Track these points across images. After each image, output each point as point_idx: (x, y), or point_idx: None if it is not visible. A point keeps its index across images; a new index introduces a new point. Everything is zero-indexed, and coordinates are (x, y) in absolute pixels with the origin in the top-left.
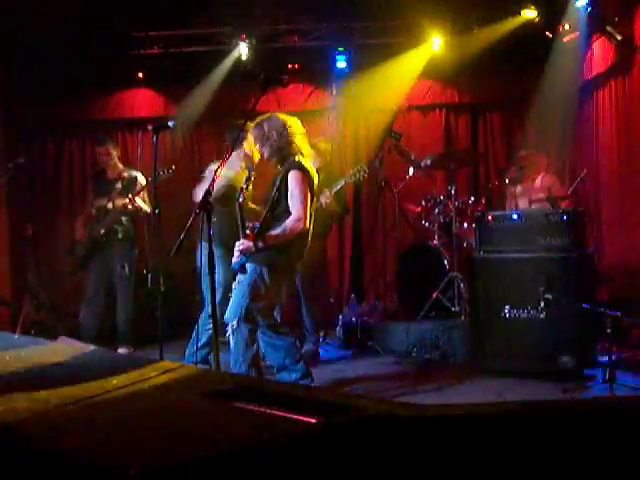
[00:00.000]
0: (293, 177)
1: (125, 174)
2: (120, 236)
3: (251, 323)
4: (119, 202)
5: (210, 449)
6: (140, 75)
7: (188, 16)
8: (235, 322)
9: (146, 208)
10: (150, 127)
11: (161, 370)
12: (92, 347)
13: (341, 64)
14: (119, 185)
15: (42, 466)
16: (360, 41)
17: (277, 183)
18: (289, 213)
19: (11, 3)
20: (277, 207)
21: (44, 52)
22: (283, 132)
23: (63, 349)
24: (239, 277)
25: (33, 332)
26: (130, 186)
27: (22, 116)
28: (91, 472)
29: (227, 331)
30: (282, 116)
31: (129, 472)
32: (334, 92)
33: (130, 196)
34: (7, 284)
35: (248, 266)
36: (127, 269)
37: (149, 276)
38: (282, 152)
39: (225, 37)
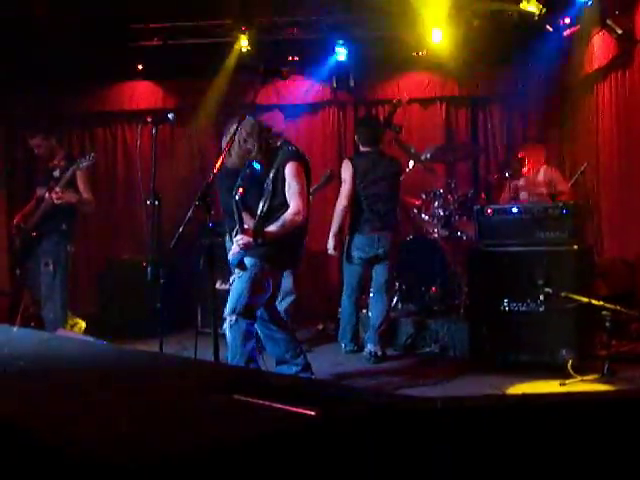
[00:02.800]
0: (291, 168)
1: (63, 162)
2: (49, 230)
3: (250, 318)
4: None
5: (209, 442)
6: (139, 67)
7: (188, 8)
8: (233, 317)
9: (73, 199)
10: (150, 120)
11: (159, 362)
12: (91, 339)
13: (341, 56)
14: (57, 173)
15: (40, 462)
16: (360, 33)
17: (272, 174)
18: (287, 205)
19: None
20: (274, 199)
21: (42, 44)
22: (261, 126)
23: (62, 342)
24: (238, 272)
25: (32, 325)
26: (66, 174)
27: (20, 109)
28: (90, 467)
29: (224, 325)
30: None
31: (128, 464)
32: (334, 85)
33: (56, 189)
34: (6, 276)
35: (247, 260)
36: (51, 266)
37: (148, 269)
38: (267, 145)
39: (225, 29)
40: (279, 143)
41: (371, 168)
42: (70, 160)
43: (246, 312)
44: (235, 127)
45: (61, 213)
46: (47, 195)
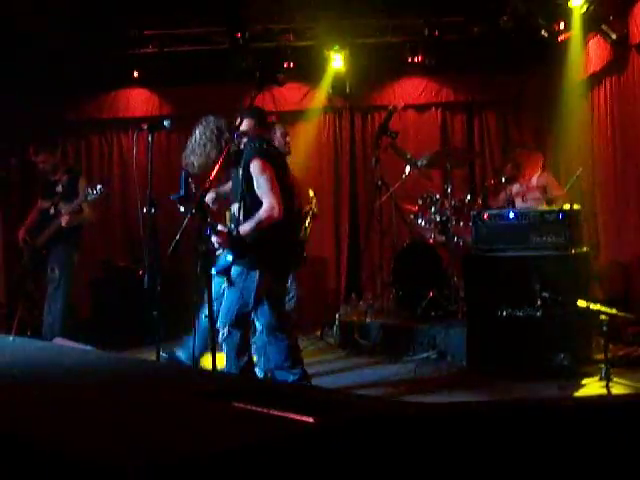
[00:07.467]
0: (255, 166)
1: (65, 177)
2: (57, 239)
3: (243, 328)
4: (62, 207)
5: (208, 449)
6: (135, 74)
7: (183, 15)
8: (226, 329)
9: (83, 219)
10: (145, 127)
11: (156, 369)
12: (88, 348)
13: (337, 63)
14: (59, 188)
15: (41, 466)
16: (355, 40)
17: (240, 176)
18: (260, 204)
19: (6, 1)
20: (246, 200)
21: (38, 51)
22: (221, 127)
23: (59, 350)
24: (226, 283)
25: (28, 333)
26: (70, 189)
27: (15, 116)
28: (90, 472)
29: (219, 337)
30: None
31: (128, 471)
32: (330, 91)
33: (65, 216)
34: (2, 285)
35: (234, 269)
36: (57, 272)
37: (145, 276)
38: (229, 146)
39: (220, 36)
40: (244, 142)
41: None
42: (71, 173)
43: (238, 322)
44: (198, 129)
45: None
46: (60, 219)
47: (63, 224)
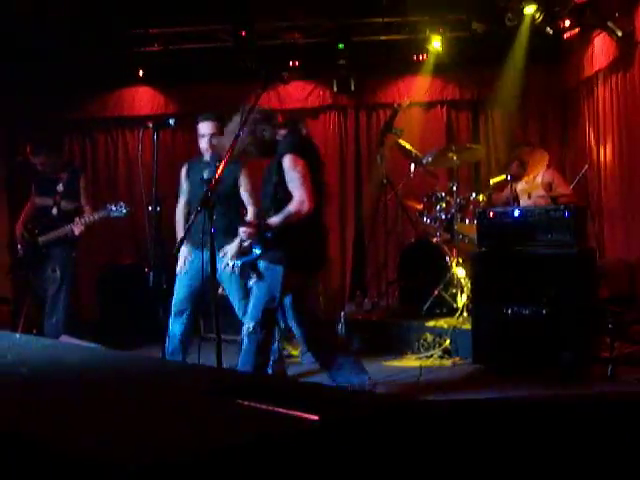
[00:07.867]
0: (287, 162)
1: (65, 175)
2: (56, 243)
3: (269, 325)
4: (65, 206)
5: (211, 446)
6: (140, 72)
7: (188, 13)
8: (252, 325)
9: (87, 222)
10: (150, 125)
11: (162, 367)
12: (94, 345)
13: (342, 61)
14: (60, 187)
15: (43, 465)
16: (361, 38)
17: (273, 170)
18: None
19: (6, 1)
20: (278, 193)
21: (44, 49)
22: (256, 117)
23: (65, 348)
24: (254, 278)
25: (34, 331)
26: (71, 187)
27: (18, 116)
28: (91, 470)
29: (242, 331)
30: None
31: (129, 469)
32: (335, 89)
33: (79, 225)
34: (8, 282)
35: (262, 263)
36: (58, 272)
37: (151, 274)
38: (263, 136)
39: (225, 34)
40: (283, 133)
41: None
42: (72, 171)
43: (264, 319)
44: (236, 118)
45: (67, 221)
46: (73, 228)
47: (76, 233)
